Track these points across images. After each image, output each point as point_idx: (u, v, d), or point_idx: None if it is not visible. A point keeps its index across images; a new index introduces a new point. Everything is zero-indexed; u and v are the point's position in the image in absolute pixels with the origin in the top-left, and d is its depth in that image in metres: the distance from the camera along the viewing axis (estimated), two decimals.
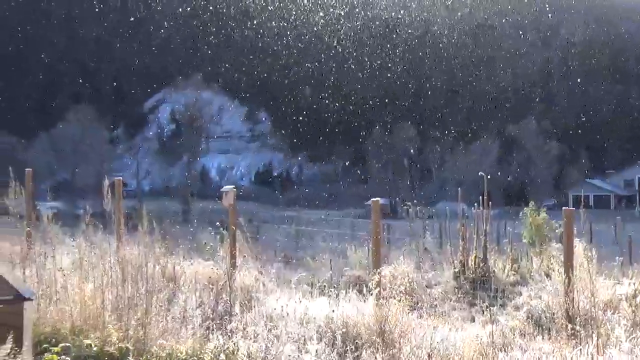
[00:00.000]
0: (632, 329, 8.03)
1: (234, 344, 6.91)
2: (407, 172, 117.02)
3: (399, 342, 7.25)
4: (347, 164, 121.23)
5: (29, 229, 11.31)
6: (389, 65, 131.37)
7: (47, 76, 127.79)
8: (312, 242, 22.28)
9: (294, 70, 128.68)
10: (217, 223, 12.17)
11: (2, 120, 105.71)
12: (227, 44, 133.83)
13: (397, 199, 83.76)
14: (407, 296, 11.12)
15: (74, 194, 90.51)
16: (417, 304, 11.56)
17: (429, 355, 5.27)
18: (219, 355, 6.45)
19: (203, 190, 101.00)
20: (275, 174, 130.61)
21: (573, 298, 8.93)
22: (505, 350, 8.08)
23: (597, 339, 6.10)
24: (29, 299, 5.15)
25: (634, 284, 15.07)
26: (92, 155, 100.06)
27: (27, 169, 12.94)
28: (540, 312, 11.01)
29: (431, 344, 6.79)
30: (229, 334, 7.55)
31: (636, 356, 5.14)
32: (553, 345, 7.11)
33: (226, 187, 12.64)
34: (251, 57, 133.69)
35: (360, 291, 10.69)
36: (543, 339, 8.76)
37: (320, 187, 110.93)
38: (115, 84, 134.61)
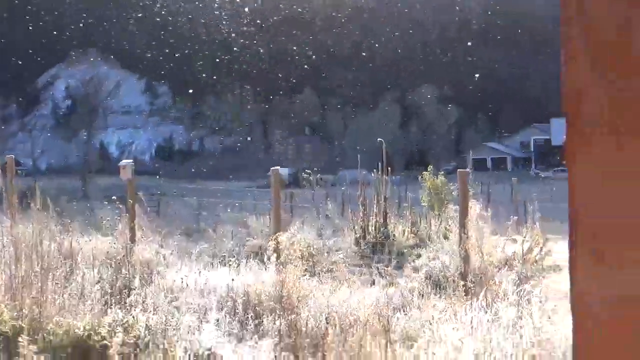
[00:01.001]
0: (519, 282, 8.38)
1: (133, 317, 6.85)
2: (309, 141, 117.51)
3: (298, 307, 7.32)
4: (249, 135, 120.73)
5: None
6: (289, 34, 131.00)
7: None
8: (214, 214, 22.18)
9: (192, 42, 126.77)
10: (114, 197, 11.95)
11: None
12: (123, 17, 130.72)
13: (301, 168, 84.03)
14: (306, 262, 11.26)
15: None
16: (318, 269, 11.68)
17: (326, 319, 5.35)
18: (115, 329, 6.38)
19: (102, 167, 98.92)
20: (177, 147, 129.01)
21: (467, 257, 9.20)
22: (403, 311, 8.28)
23: (486, 294, 6.33)
24: None
25: (526, 241, 15.66)
26: None
27: None
28: (437, 273, 11.30)
29: (328, 307, 6.89)
30: (128, 307, 7.48)
31: (522, 307, 5.37)
32: (446, 302, 7.33)
33: (123, 162, 12.47)
34: (149, 29, 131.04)
35: (261, 260, 10.76)
36: (440, 297, 9.01)
37: (223, 159, 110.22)
38: (5, 60, 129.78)
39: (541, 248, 15.08)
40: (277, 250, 10.43)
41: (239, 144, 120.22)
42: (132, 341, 5.89)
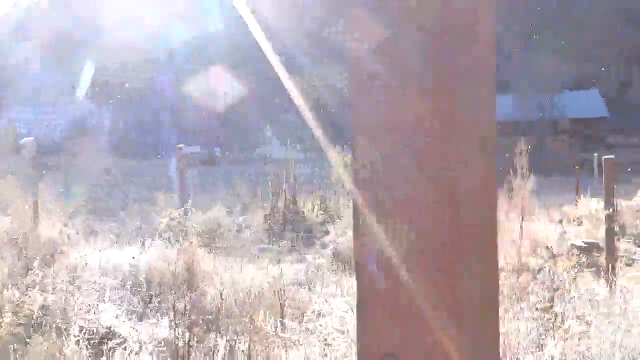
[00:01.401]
0: None
1: (29, 297, 6.78)
2: (227, 120, 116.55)
3: (199, 285, 7.38)
4: (163, 112, 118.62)
5: None
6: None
7: None
8: (126, 192, 21.93)
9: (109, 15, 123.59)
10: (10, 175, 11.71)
11: None
12: None
13: (215, 146, 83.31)
14: (211, 239, 11.31)
15: None
16: (225, 246, 11.73)
17: (221, 295, 5.43)
18: (5, 309, 6.30)
19: (13, 145, 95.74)
20: (91, 125, 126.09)
21: None
22: (308, 286, 8.43)
23: None
24: None
25: None
26: None
27: None
28: (344, 248, 11.50)
29: (232, 284, 6.96)
30: (25, 288, 7.38)
31: None
32: (340, 276, 7.50)
33: (25, 139, 12.21)
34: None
35: (168, 238, 10.75)
36: (343, 272, 9.19)
37: (140, 136, 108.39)
38: None
39: None
40: (182, 227, 10.45)
41: (152, 122, 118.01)
42: (25, 322, 5.85)
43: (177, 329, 4.77)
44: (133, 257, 8.46)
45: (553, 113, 56.97)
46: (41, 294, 6.98)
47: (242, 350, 4.53)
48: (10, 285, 7.51)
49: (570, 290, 4.83)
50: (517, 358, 4.19)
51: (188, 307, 5.17)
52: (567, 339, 4.03)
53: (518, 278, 6.38)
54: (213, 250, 10.67)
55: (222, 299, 5.29)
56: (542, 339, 4.16)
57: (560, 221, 15.29)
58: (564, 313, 4.50)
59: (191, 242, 8.11)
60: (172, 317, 5.00)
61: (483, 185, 1.06)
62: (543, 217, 14.99)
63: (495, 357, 1.10)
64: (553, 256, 7.92)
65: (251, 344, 4.49)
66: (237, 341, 4.64)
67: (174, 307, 4.94)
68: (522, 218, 11.55)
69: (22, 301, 6.59)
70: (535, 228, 12.47)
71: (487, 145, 1.07)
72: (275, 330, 4.77)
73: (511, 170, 9.84)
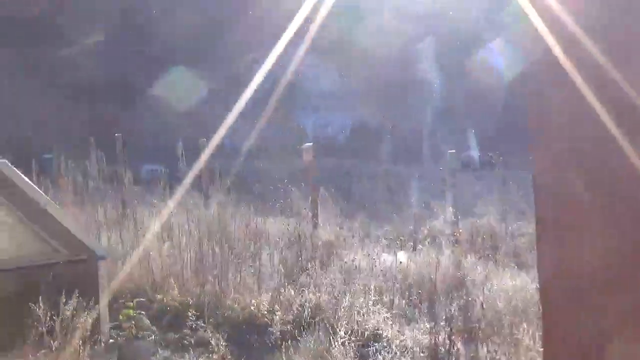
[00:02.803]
0: None
1: (316, 295, 7.13)
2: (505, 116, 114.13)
3: (469, 292, 7.36)
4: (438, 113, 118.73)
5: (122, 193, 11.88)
6: None
7: None
8: (405, 197, 22.24)
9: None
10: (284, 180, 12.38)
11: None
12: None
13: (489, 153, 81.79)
14: (485, 247, 11.20)
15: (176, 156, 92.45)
16: (499, 255, 11.55)
17: (482, 304, 5.39)
18: (291, 306, 6.72)
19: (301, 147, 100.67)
20: (371, 129, 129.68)
21: None
22: None
23: None
24: (103, 258, 5.53)
25: None
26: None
27: (116, 134, 13.48)
28: None
29: (497, 293, 6.90)
30: (303, 288, 7.79)
31: None
32: None
33: (306, 145, 12.85)
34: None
35: (439, 245, 10.80)
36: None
37: (416, 141, 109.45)
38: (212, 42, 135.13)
39: None
40: (452, 233, 10.46)
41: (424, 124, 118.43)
42: (297, 319, 6.21)
43: (438, 336, 4.83)
44: (400, 262, 8.63)
45: None
46: (314, 294, 7.35)
47: None
48: (287, 284, 7.99)
49: None
50: None
51: (451, 315, 5.21)
52: None
53: None
54: (483, 257, 10.56)
55: (483, 309, 5.26)
56: None
57: None
58: None
59: (457, 249, 8.12)
60: (433, 324, 5.06)
61: None
62: None
63: None
64: None
65: (509, 356, 4.43)
66: (497, 352, 4.60)
67: (435, 313, 5.01)
68: None
69: (304, 299, 6.99)
70: None
71: None
72: (535, 344, 4.67)
73: None
